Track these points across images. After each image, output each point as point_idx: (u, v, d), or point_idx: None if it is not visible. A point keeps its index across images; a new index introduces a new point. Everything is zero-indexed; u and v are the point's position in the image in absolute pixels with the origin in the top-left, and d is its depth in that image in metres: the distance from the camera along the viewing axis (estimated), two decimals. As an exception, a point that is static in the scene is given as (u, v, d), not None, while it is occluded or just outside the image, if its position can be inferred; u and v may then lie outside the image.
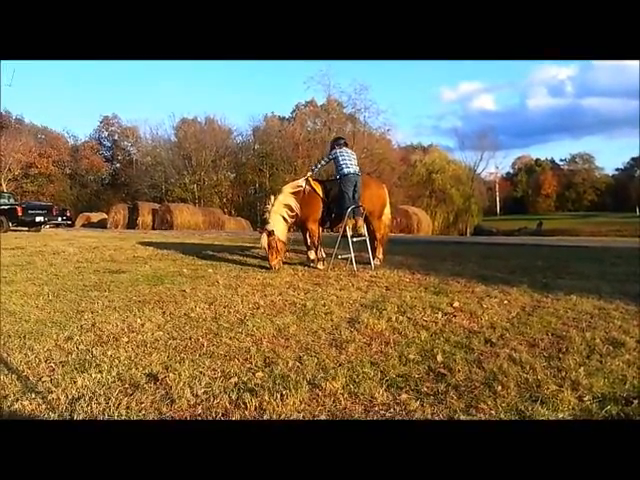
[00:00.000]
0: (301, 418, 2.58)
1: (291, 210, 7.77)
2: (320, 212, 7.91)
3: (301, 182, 7.99)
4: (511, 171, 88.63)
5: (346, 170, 7.74)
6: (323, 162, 8.28)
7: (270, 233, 7.64)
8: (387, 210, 8.65)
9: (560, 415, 2.56)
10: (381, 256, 8.24)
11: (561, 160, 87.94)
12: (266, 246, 7.65)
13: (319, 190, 7.92)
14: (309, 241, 8.03)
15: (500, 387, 2.91)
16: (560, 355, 3.48)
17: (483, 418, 2.54)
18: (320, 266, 7.70)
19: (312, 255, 7.94)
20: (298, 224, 8.22)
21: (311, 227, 7.94)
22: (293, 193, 7.86)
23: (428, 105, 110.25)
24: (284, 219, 7.74)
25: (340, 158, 7.84)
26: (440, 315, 4.58)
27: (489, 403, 2.71)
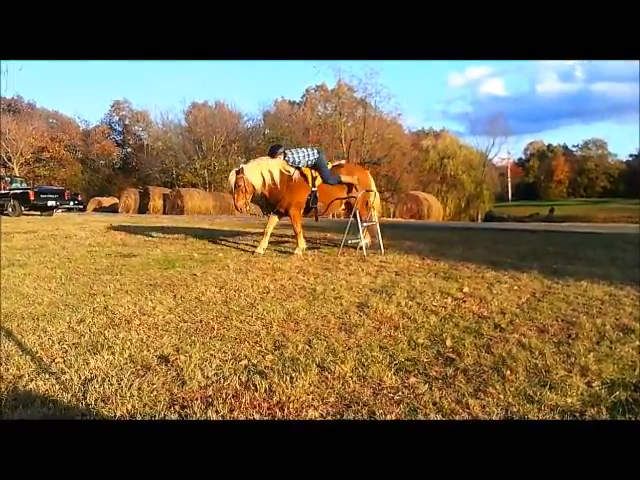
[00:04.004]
0: (310, 400, 2.61)
1: (271, 178, 7.57)
2: (305, 199, 7.80)
3: (291, 169, 7.73)
4: (523, 157, 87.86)
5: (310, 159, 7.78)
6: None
7: (239, 171, 7.51)
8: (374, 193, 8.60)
9: (569, 400, 2.57)
10: (368, 240, 8.19)
11: (573, 146, 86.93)
12: (233, 184, 7.53)
13: (309, 177, 7.80)
14: (295, 227, 7.89)
15: (509, 372, 2.92)
16: (570, 341, 3.48)
17: (491, 402, 2.56)
18: (299, 252, 7.58)
19: (301, 244, 7.79)
20: (282, 210, 7.99)
21: (293, 213, 7.80)
22: (282, 172, 7.65)
23: (436, 90, 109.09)
24: (261, 175, 7.54)
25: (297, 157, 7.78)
26: (450, 300, 4.58)
27: (497, 387, 2.72)
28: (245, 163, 8.08)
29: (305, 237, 8.12)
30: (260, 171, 7.56)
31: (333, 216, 8.93)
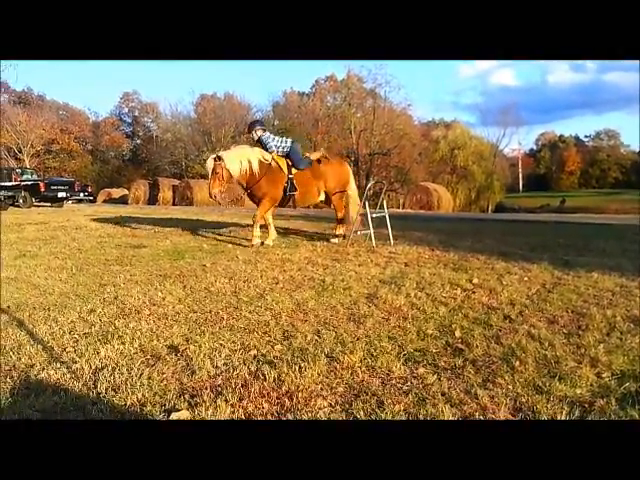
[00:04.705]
0: (319, 390, 2.62)
1: (250, 168, 7.41)
2: (281, 190, 7.71)
3: (268, 156, 7.62)
4: (534, 147, 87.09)
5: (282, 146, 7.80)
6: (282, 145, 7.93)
7: (218, 158, 7.33)
8: (353, 186, 8.60)
9: (578, 391, 2.56)
10: (342, 232, 8.25)
11: (585, 136, 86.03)
12: (210, 170, 7.33)
13: (283, 166, 7.73)
14: (256, 216, 7.72)
15: (518, 363, 2.91)
16: (580, 332, 3.46)
17: (500, 393, 2.55)
18: (257, 241, 7.52)
19: (256, 232, 7.64)
20: (256, 200, 7.85)
21: (264, 203, 7.67)
22: (260, 161, 7.52)
23: (446, 80, 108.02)
24: (240, 163, 7.39)
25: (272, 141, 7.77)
26: (459, 291, 4.57)
27: (506, 378, 2.71)
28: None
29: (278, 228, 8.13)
30: (239, 159, 7.42)
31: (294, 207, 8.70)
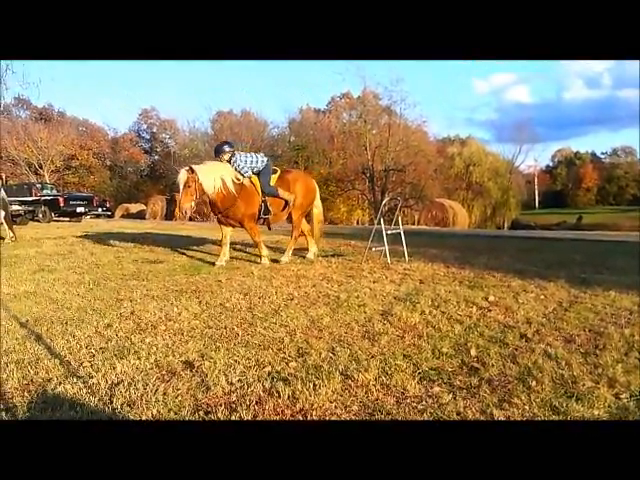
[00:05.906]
0: (333, 408, 2.61)
1: (224, 185, 7.08)
2: (257, 209, 7.48)
3: (241, 177, 7.32)
4: (550, 164, 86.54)
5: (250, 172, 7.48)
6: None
7: (191, 170, 6.92)
8: (318, 203, 8.52)
9: (596, 412, 2.53)
10: (315, 250, 8.27)
11: (602, 153, 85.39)
12: (182, 183, 6.88)
13: (258, 186, 7.48)
14: (254, 239, 7.67)
15: (534, 382, 2.88)
16: (597, 352, 3.42)
17: (516, 413, 2.53)
18: (265, 261, 7.43)
19: (264, 252, 7.59)
20: (235, 222, 7.62)
21: (249, 225, 7.52)
22: (233, 180, 7.20)
23: (460, 97, 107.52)
24: (214, 180, 7.00)
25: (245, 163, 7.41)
26: (475, 309, 4.54)
27: (523, 398, 2.69)
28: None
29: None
30: (213, 176, 7.05)
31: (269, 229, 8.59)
